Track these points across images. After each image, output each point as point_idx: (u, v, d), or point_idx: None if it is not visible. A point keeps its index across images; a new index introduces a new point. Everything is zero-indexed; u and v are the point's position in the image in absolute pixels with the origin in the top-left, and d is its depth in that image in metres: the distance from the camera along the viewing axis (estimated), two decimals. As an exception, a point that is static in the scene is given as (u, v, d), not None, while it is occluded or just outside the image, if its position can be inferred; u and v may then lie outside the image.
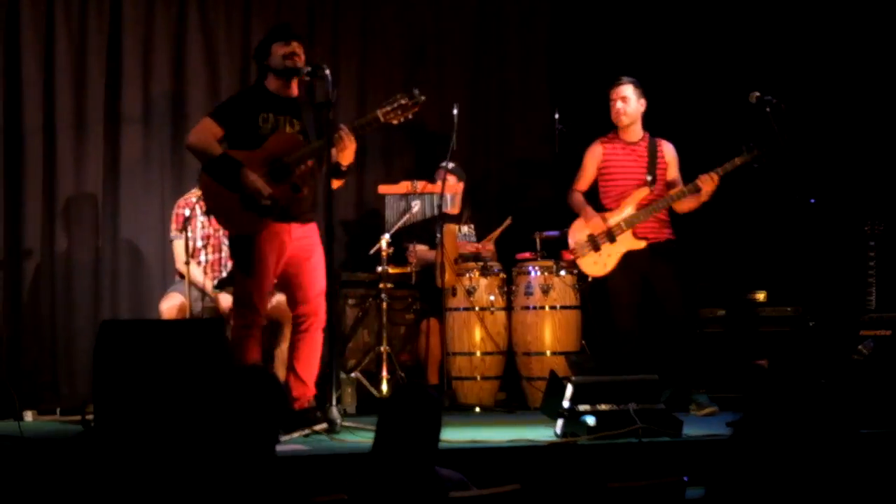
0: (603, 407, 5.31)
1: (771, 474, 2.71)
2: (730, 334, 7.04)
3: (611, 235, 6.54)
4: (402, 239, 7.07)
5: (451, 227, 6.90)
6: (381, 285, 6.81)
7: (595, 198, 6.73)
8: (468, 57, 7.97)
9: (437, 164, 7.14)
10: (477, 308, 6.88)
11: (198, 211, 6.59)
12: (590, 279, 6.78)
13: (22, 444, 5.26)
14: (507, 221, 7.13)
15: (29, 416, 6.57)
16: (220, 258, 6.66)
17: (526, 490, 3.13)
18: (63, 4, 7.01)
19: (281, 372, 6.19)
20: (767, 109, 6.30)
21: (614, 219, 6.55)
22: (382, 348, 6.74)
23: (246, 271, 5.61)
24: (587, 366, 6.53)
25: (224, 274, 6.60)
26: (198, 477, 3.21)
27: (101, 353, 4.92)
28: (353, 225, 7.68)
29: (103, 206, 7.09)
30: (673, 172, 6.72)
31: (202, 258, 6.70)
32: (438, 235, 6.58)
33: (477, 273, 6.92)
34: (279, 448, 3.38)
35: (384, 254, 6.77)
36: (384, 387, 6.67)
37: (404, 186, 6.95)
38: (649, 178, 6.58)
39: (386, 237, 6.80)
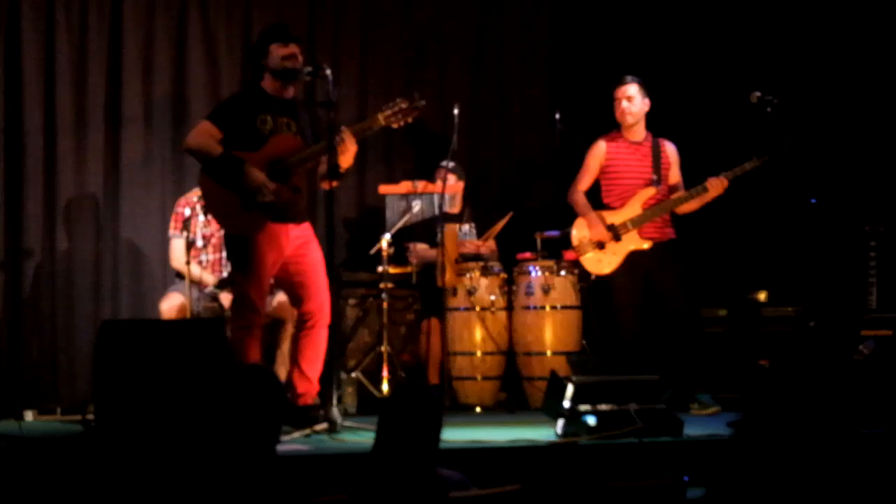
0: (604, 407, 5.32)
1: (771, 474, 2.71)
2: (732, 334, 7.05)
3: (616, 234, 6.54)
4: (403, 238, 7.07)
5: (451, 227, 6.90)
6: (382, 285, 6.81)
7: (594, 197, 6.72)
8: (469, 56, 7.96)
9: (437, 164, 7.14)
10: (478, 308, 6.87)
11: (198, 210, 6.59)
12: (592, 277, 6.77)
13: (22, 444, 5.27)
14: (508, 216, 7.13)
15: (29, 415, 6.57)
16: (220, 258, 6.66)
17: (526, 490, 3.13)
18: (63, 5, 7.00)
19: (282, 372, 6.20)
20: (768, 109, 6.31)
21: (620, 218, 6.55)
22: (383, 348, 6.74)
23: (243, 271, 5.62)
24: (588, 366, 6.52)
25: (225, 274, 6.60)
26: (198, 477, 3.21)
27: (101, 352, 4.92)
28: (353, 224, 7.68)
29: (104, 206, 7.08)
30: (675, 172, 6.72)
31: (203, 258, 6.70)
32: (439, 235, 6.58)
33: (478, 273, 6.91)
34: (280, 448, 3.38)
35: (385, 254, 6.77)
36: (385, 387, 6.66)
37: (405, 186, 6.95)
38: (655, 177, 6.58)
39: (387, 237, 6.80)
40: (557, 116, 7.36)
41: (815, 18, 7.61)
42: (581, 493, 2.99)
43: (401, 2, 7.85)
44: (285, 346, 6.44)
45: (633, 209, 6.58)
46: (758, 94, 6.35)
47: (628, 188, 6.61)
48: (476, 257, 7.06)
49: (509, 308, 6.96)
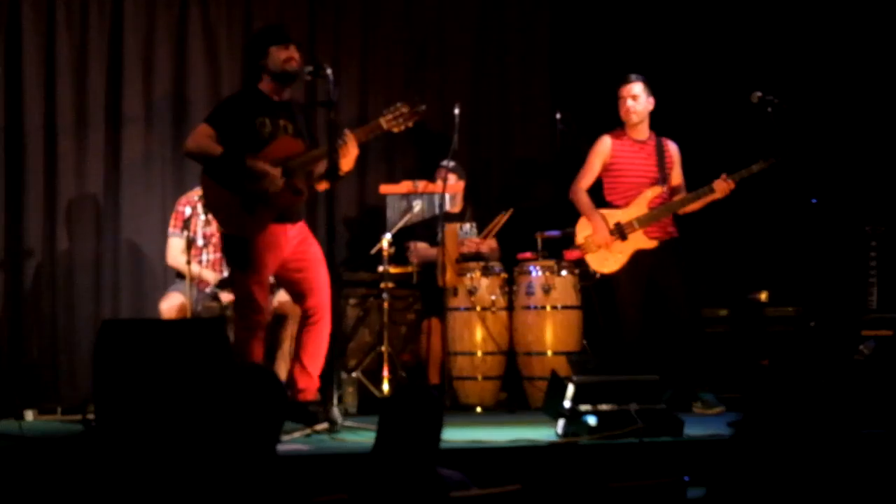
0: (604, 407, 5.32)
1: (772, 474, 2.71)
2: (734, 334, 7.05)
3: (622, 233, 6.54)
4: (404, 238, 7.07)
5: (452, 227, 6.90)
6: (383, 285, 6.81)
7: (596, 195, 6.72)
8: (469, 56, 7.96)
9: (438, 164, 7.14)
10: (478, 308, 6.87)
11: (199, 210, 6.59)
12: (598, 276, 6.76)
13: (22, 444, 5.27)
14: (508, 212, 7.13)
15: (30, 415, 6.56)
16: (221, 257, 6.66)
17: (527, 490, 3.13)
18: (64, 4, 7.00)
19: (283, 370, 6.20)
20: (769, 110, 6.30)
21: (625, 217, 6.55)
22: (383, 348, 6.74)
23: (245, 271, 5.62)
24: (588, 366, 6.52)
25: (225, 273, 6.59)
26: (198, 476, 3.21)
27: (101, 352, 4.92)
28: (354, 224, 7.68)
29: (104, 205, 7.08)
30: (678, 172, 6.72)
31: (203, 257, 6.70)
32: (440, 234, 6.58)
33: (478, 273, 6.91)
34: (280, 448, 3.38)
35: (385, 253, 6.77)
36: (385, 386, 6.67)
37: (406, 186, 6.95)
38: (661, 176, 6.58)
39: (387, 237, 6.80)
40: (558, 116, 7.36)
41: (815, 18, 7.61)
42: (581, 493, 2.99)
43: (401, 2, 7.84)
44: (286, 346, 6.44)
45: (638, 208, 6.57)
46: (758, 94, 6.35)
47: (632, 186, 6.61)
48: (476, 257, 7.06)
49: (510, 308, 6.96)
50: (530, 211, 7.55)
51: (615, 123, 6.70)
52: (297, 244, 5.73)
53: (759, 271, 7.42)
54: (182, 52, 7.25)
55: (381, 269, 6.81)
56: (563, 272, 6.87)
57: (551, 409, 5.54)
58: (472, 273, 6.90)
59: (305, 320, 5.75)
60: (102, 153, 7.08)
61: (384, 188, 7.02)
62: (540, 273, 6.86)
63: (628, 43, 7.85)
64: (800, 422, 2.74)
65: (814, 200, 6.45)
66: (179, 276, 6.65)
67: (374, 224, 7.26)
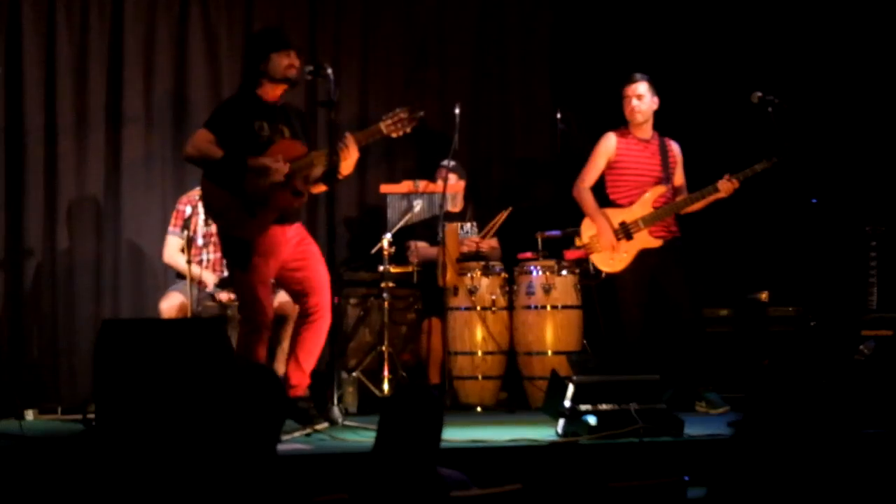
0: (604, 407, 5.32)
1: (772, 474, 2.71)
2: (736, 334, 7.05)
3: (628, 233, 6.54)
4: (404, 238, 7.08)
5: (452, 227, 6.90)
6: (383, 284, 6.81)
7: (599, 193, 6.71)
8: (470, 56, 7.96)
9: (438, 164, 7.15)
10: (478, 307, 6.87)
11: (200, 209, 6.59)
12: (603, 275, 6.75)
13: (23, 444, 5.27)
14: (508, 211, 7.13)
15: (30, 415, 6.56)
16: (221, 257, 6.66)
17: (527, 490, 3.13)
18: (64, 5, 7.00)
19: (281, 369, 6.20)
20: (769, 109, 6.30)
21: (630, 216, 6.55)
22: (384, 348, 6.74)
23: (248, 273, 5.62)
24: (588, 365, 6.52)
25: (226, 273, 6.60)
26: (199, 476, 3.21)
27: (102, 352, 4.92)
28: (354, 224, 7.68)
29: (104, 205, 7.09)
30: (680, 172, 6.73)
31: (203, 257, 6.70)
32: (440, 234, 6.58)
33: (479, 272, 6.91)
34: (280, 447, 3.38)
35: (386, 253, 6.78)
36: (385, 386, 6.67)
37: (406, 186, 6.95)
38: (665, 175, 6.59)
39: (388, 236, 6.80)
40: (558, 116, 7.36)
41: (815, 18, 7.61)
42: (581, 492, 2.99)
43: (401, 2, 7.84)
44: (286, 344, 6.43)
45: (643, 207, 6.57)
46: (759, 94, 6.35)
47: (636, 185, 6.60)
48: (477, 256, 7.06)
49: (510, 308, 6.96)
50: (530, 211, 7.55)
51: (616, 123, 6.70)
52: (295, 244, 5.76)
53: (760, 271, 7.42)
54: (182, 52, 7.25)
55: (381, 268, 6.81)
56: (564, 272, 6.87)
57: (551, 409, 5.54)
58: (473, 273, 6.90)
59: (305, 318, 5.76)
60: (103, 153, 7.08)
61: (384, 188, 7.02)
62: (540, 273, 6.86)
63: (628, 43, 7.85)
64: (800, 422, 2.74)
65: (814, 200, 6.44)
66: (179, 276, 6.65)
67: (374, 224, 7.26)
